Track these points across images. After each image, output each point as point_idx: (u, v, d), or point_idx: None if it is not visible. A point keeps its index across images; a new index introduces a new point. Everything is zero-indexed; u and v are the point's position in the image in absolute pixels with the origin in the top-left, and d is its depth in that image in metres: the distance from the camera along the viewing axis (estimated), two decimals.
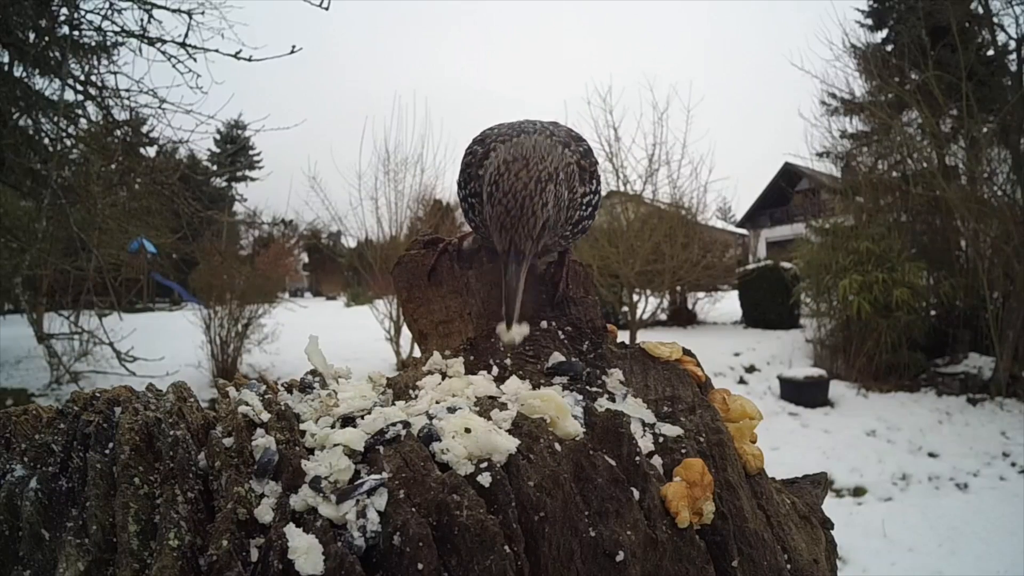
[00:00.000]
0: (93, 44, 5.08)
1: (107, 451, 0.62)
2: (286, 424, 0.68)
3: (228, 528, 0.54)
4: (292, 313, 9.66)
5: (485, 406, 0.71)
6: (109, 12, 4.77)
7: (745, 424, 0.79)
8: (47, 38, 4.70)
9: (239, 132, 23.15)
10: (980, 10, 8.39)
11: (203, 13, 4.92)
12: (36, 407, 0.69)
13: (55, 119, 4.93)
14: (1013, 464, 5.24)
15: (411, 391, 0.80)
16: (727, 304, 12.71)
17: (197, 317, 8.45)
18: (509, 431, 0.65)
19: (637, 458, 0.65)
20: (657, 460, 0.69)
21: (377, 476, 0.59)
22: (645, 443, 0.70)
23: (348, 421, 0.70)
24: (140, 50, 4.94)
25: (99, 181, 5.56)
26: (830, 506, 0.92)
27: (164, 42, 4.87)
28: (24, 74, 4.99)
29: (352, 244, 10.57)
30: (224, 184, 28.77)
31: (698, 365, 0.87)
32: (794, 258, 9.82)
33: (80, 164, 5.64)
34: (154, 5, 4.76)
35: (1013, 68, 7.84)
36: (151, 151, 6.17)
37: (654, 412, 0.76)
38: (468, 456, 0.61)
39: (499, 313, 0.82)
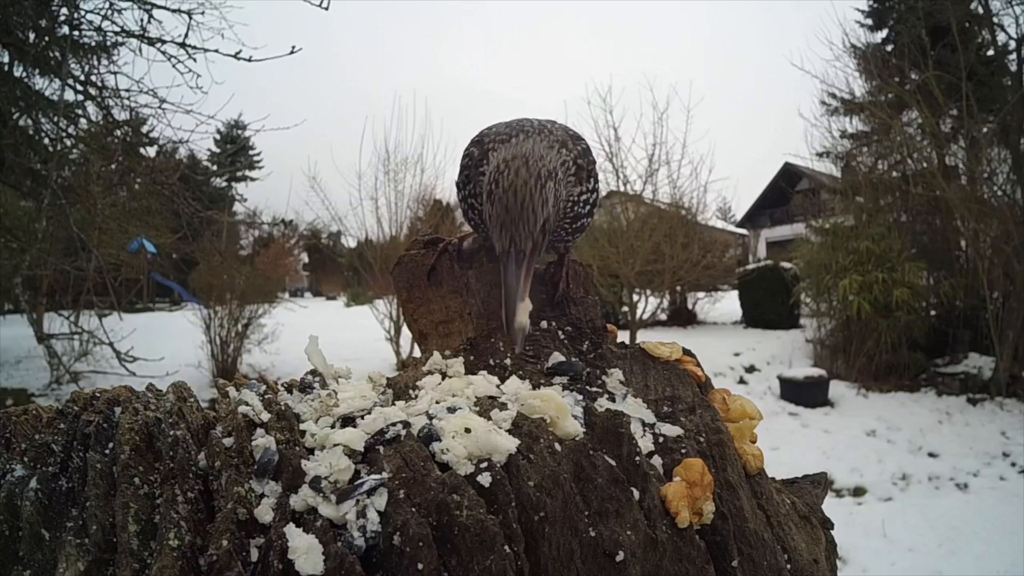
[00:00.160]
0: (93, 44, 5.08)
1: (107, 451, 0.62)
2: (286, 424, 0.68)
3: (228, 528, 0.54)
4: (292, 313, 9.65)
5: (485, 406, 0.71)
6: (109, 12, 4.77)
7: (745, 424, 0.79)
8: (47, 38, 4.70)
9: (239, 132, 23.14)
10: (980, 10, 8.39)
11: (203, 13, 4.92)
12: (36, 407, 0.69)
13: (55, 119, 4.92)
14: (1013, 464, 5.24)
15: (411, 391, 0.80)
16: (727, 304, 12.70)
17: (197, 317, 8.45)
18: (509, 431, 0.65)
19: (637, 458, 0.65)
20: (657, 460, 0.69)
21: (377, 476, 0.59)
22: (645, 443, 0.70)
23: (348, 421, 0.70)
24: (140, 50, 4.94)
25: (99, 181, 5.56)
26: (830, 506, 0.92)
27: (164, 42, 4.87)
28: (24, 74, 4.99)
29: (352, 244, 10.57)
30: (224, 184, 28.77)
31: (698, 365, 0.87)
32: (794, 258, 9.81)
33: (80, 164, 5.64)
34: (154, 5, 4.76)
35: (1013, 68, 7.84)
36: (151, 151, 6.17)
37: (654, 412, 0.76)
38: (468, 456, 0.61)
39: (499, 313, 0.82)
